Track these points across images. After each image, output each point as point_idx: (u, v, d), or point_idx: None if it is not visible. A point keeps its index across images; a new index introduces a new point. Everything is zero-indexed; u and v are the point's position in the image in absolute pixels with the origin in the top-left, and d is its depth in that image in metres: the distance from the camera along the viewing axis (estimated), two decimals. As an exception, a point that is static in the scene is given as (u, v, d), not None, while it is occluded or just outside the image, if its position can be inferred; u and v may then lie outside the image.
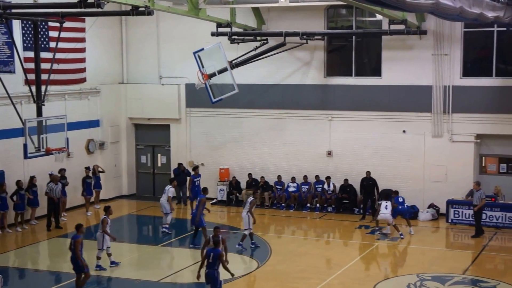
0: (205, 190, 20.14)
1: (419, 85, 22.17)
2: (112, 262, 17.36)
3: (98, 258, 17.17)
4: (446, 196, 21.68)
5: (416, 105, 22.23)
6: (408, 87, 22.31)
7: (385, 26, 21.86)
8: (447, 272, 16.69)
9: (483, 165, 22.39)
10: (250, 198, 19.49)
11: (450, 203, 21.42)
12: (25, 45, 21.21)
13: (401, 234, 19.87)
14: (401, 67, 22.37)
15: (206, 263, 14.22)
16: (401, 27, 20.98)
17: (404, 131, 22.52)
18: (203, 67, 21.09)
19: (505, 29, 20.89)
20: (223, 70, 21.39)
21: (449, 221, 21.39)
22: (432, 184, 22.30)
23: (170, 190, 20.98)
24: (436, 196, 22.15)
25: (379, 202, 20.59)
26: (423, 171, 22.42)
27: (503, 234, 20.30)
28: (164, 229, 20.73)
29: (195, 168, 23.64)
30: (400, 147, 22.66)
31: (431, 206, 22.21)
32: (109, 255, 17.34)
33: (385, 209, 19.94)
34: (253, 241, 18.97)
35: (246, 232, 18.84)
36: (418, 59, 22.14)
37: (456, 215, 21.31)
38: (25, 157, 18.12)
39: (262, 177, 24.10)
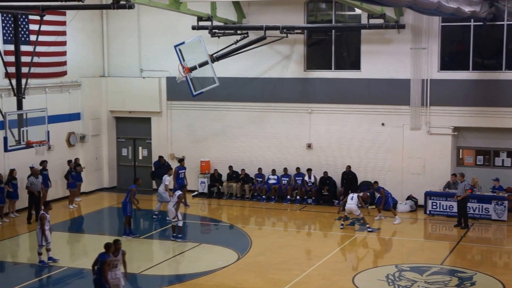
0: (137, 180, 19.90)
1: (397, 79, 22.10)
2: (50, 258, 16.94)
3: (40, 253, 16.80)
4: (424, 188, 21.67)
5: (395, 98, 22.16)
6: (387, 81, 22.24)
7: (364, 20, 21.72)
8: (425, 263, 16.66)
9: (461, 157, 22.43)
10: (178, 192, 19.20)
11: (428, 194, 21.40)
12: (5, 38, 20.86)
13: (368, 227, 19.70)
14: (380, 61, 22.28)
15: (96, 269, 13.55)
16: (380, 21, 20.90)
17: (383, 124, 22.44)
18: (184, 60, 20.83)
19: (481, 23, 20.88)
20: (204, 64, 21.14)
21: (427, 212, 21.37)
22: (410, 176, 22.29)
23: (166, 179, 21.05)
24: (414, 188, 22.15)
25: (349, 193, 20.49)
26: (401, 163, 22.40)
27: (480, 225, 20.34)
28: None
29: (181, 160, 23.40)
30: (379, 140, 22.60)
31: (409, 197, 22.20)
32: (48, 250, 16.90)
33: (350, 200, 19.88)
34: (174, 234, 18.82)
35: (180, 224, 18.78)
36: (396, 53, 22.05)
37: (434, 207, 21.30)
38: (5, 150, 17.79)
39: (243, 170, 23.94)
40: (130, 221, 19.33)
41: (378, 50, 22.31)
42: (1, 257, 17.84)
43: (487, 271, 16.02)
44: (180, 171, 22.92)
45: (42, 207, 17.33)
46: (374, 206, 22.25)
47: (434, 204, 21.26)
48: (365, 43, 22.50)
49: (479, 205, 20.67)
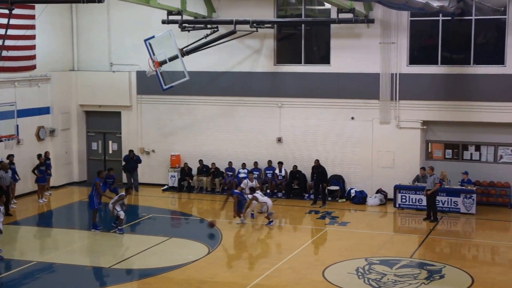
0: (100, 173, 19.17)
1: (367, 73, 21.32)
2: None
3: None
4: (393, 181, 20.92)
5: (364, 92, 21.39)
6: (356, 75, 21.46)
7: (333, 15, 20.96)
8: (395, 256, 16.04)
9: (429, 150, 21.73)
10: (122, 193, 18.39)
11: (398, 188, 20.68)
12: None
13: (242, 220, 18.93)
14: (349, 55, 21.48)
15: None
16: (349, 15, 20.19)
17: (352, 118, 21.66)
18: (154, 54, 19.96)
19: (449, 18, 20.20)
20: (174, 58, 20.26)
21: (397, 206, 20.65)
22: (380, 170, 21.54)
23: (249, 184, 20.08)
24: (384, 181, 21.38)
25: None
26: (371, 157, 21.63)
27: (449, 218, 19.69)
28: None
29: (106, 171, 21.18)
30: (348, 134, 21.82)
31: (379, 191, 21.44)
32: None
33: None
34: (119, 226, 18.21)
35: (121, 216, 18.11)
36: (366, 47, 21.27)
37: (403, 200, 20.56)
38: None
39: (213, 164, 23.07)
40: (96, 215, 18.58)
41: (348, 45, 21.51)
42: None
43: (456, 264, 15.44)
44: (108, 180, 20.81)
45: None
46: (344, 200, 21.59)
47: (404, 197, 20.54)
48: (335, 38, 21.69)
49: (448, 199, 19.99)
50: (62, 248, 16.93)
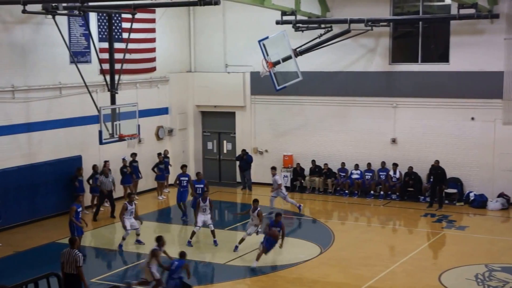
0: (197, 174, 19.02)
1: (489, 71, 19.60)
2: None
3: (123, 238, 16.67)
4: (518, 185, 19.17)
5: (486, 92, 19.68)
6: (477, 73, 19.78)
7: (454, 11, 19.47)
8: None
9: (560, 154, 19.66)
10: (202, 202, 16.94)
11: (523, 193, 18.88)
12: (100, 36, 20.36)
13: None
14: (470, 53, 19.87)
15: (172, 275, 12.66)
16: (471, 11, 18.56)
17: (472, 118, 20.03)
18: (267, 55, 19.44)
19: None
20: (287, 58, 19.69)
21: (522, 211, 18.90)
22: (502, 173, 19.74)
23: (278, 179, 19.91)
24: (506, 185, 19.62)
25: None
26: (492, 160, 19.89)
27: None
28: None
29: (183, 166, 20.23)
30: (468, 135, 20.21)
31: (501, 195, 19.67)
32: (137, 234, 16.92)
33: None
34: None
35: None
36: (488, 44, 19.55)
37: (530, 205, 18.77)
38: (100, 143, 17.50)
39: (326, 164, 22.19)
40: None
41: (469, 42, 19.89)
42: (97, 244, 17.42)
43: None
44: (182, 179, 19.36)
45: (127, 199, 17.05)
46: (462, 203, 20.04)
47: (530, 203, 18.74)
48: (455, 35, 20.13)
49: None
50: (180, 244, 16.92)
